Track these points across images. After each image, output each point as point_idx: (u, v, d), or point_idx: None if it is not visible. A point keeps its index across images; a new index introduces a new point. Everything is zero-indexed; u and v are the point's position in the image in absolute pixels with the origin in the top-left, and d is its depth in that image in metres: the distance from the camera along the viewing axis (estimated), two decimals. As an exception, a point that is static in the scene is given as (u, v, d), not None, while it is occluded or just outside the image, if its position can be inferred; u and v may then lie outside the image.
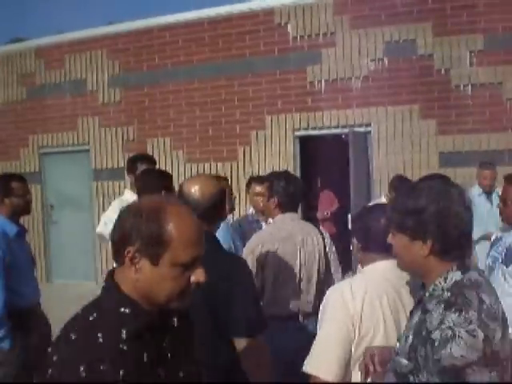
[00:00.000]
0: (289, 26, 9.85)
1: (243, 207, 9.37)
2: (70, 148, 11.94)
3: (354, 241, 2.80)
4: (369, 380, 2.40)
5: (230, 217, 6.28)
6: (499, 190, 4.85)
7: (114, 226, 1.73)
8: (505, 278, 3.84)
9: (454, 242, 2.03)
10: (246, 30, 10.12)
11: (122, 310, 1.68)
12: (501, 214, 4.08)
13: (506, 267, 3.81)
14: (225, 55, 10.31)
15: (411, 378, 1.92)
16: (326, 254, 4.23)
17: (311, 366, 2.55)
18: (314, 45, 9.71)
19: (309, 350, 2.64)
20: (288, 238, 4.03)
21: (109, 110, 11.42)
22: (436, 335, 1.87)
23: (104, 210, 11.21)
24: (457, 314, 1.88)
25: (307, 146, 10.11)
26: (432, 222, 2.02)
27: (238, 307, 2.85)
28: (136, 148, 10.47)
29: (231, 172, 10.25)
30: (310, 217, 9.12)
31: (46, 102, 12.10)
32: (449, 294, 1.96)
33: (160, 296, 1.70)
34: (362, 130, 9.38)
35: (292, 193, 4.15)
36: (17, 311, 4.11)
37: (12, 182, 4.31)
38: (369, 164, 9.39)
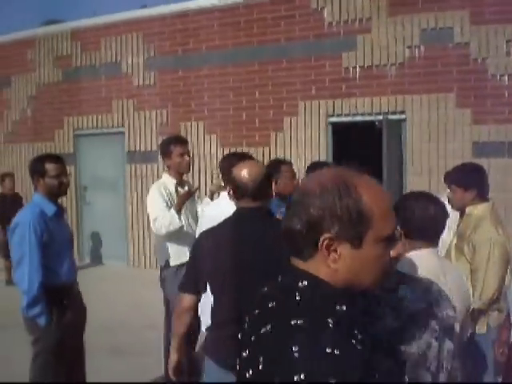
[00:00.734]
0: (325, 12, 9.81)
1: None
2: (105, 130, 12.08)
3: (397, 228, 2.80)
4: None
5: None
6: None
7: (290, 218, 1.48)
8: None
9: None
10: (281, 14, 10.09)
11: (338, 307, 1.43)
12: None
13: None
14: (259, 40, 10.31)
15: None
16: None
17: None
18: (349, 31, 9.66)
19: None
20: None
21: (143, 93, 11.51)
22: None
23: (137, 192, 11.38)
24: None
25: (340, 132, 10.09)
26: None
27: None
28: (170, 131, 10.53)
29: (263, 157, 10.28)
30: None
31: (81, 85, 12.24)
32: None
33: (365, 281, 1.49)
34: (396, 117, 9.33)
35: None
36: (53, 289, 4.19)
37: (46, 162, 4.35)
38: (402, 152, 9.35)
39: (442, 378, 2.05)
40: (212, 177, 10.44)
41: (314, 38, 9.92)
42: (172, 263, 5.26)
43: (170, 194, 5.29)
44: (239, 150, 10.42)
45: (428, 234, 2.72)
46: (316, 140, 9.92)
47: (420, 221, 2.70)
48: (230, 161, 4.43)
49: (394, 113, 9.36)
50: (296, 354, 1.29)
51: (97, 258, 12.27)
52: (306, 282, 1.44)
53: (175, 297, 5.26)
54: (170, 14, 11.19)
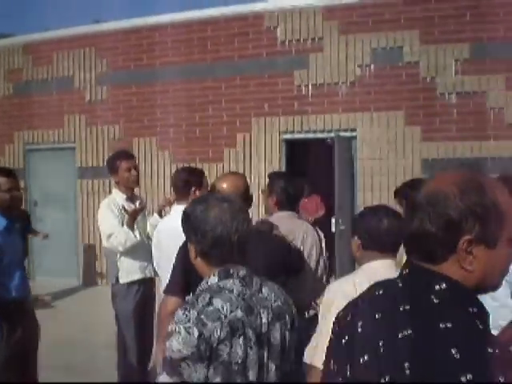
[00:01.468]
0: (278, 30, 9.92)
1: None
2: (56, 145, 11.92)
3: (355, 239, 2.92)
4: None
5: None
6: None
7: (420, 221, 1.43)
8: None
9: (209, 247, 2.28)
10: (234, 32, 10.17)
11: (471, 310, 1.38)
12: None
13: None
14: (213, 57, 10.35)
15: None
16: (322, 253, 4.20)
17: (311, 357, 2.71)
18: (301, 49, 9.78)
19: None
20: (287, 235, 4.00)
21: (95, 108, 11.42)
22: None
23: (88, 207, 11.25)
24: (181, 312, 2.09)
25: (293, 149, 10.17)
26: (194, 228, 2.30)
27: None
28: (122, 147, 10.42)
29: (216, 173, 10.27)
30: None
31: (32, 99, 12.06)
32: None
33: (494, 281, 1.46)
34: (347, 134, 9.46)
35: (290, 192, 4.21)
36: (3, 304, 4.11)
37: None
38: (353, 168, 9.47)
39: None
40: (164, 192, 10.40)
41: (267, 56, 10.01)
42: (122, 280, 5.20)
43: (121, 209, 5.24)
44: (192, 165, 10.42)
45: (383, 245, 2.82)
46: (269, 156, 9.98)
47: (375, 232, 2.81)
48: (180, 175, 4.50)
49: (345, 130, 9.49)
50: (457, 356, 1.26)
51: (47, 275, 12.05)
52: (444, 285, 1.39)
53: (126, 314, 5.27)
54: (123, 30, 11.15)
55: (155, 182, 10.72)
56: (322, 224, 10.20)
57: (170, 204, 5.59)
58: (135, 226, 5.14)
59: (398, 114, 9.20)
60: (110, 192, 6.89)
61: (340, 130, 9.47)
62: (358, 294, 2.51)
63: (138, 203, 5.48)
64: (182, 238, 2.53)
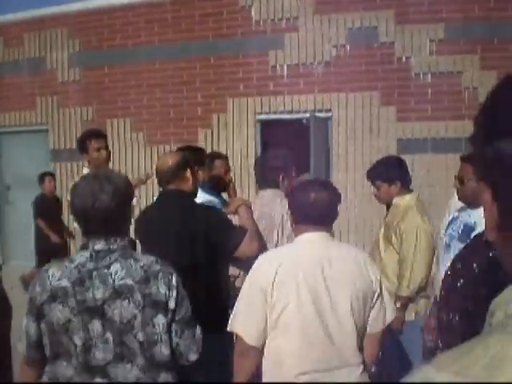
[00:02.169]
0: (252, 10, 9.82)
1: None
2: (28, 128, 11.73)
3: (289, 214, 3.02)
4: None
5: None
6: None
7: None
8: None
9: None
10: (209, 12, 10.04)
11: None
12: (457, 192, 4.17)
13: (462, 244, 3.89)
14: (187, 37, 10.22)
15: None
16: None
17: (235, 327, 2.80)
18: (276, 29, 9.70)
19: None
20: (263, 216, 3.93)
21: (68, 89, 11.25)
22: None
23: (62, 191, 11.11)
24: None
25: (269, 130, 10.11)
26: None
27: None
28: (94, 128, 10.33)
29: (191, 155, 10.21)
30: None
31: (3, 81, 11.86)
32: None
33: None
34: (322, 115, 9.42)
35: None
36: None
37: None
38: (329, 149, 9.44)
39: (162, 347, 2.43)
40: (138, 174, 10.30)
41: (241, 36, 9.91)
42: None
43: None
44: (167, 147, 10.33)
45: (311, 218, 2.85)
46: (244, 137, 9.91)
47: (303, 206, 2.87)
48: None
49: (320, 110, 9.44)
50: None
51: (22, 259, 11.90)
52: None
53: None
54: (96, 10, 10.95)
55: (129, 163, 10.60)
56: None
57: (141, 183, 5.55)
58: None
59: (373, 94, 9.17)
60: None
61: (315, 110, 9.42)
62: (269, 268, 2.72)
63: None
64: None
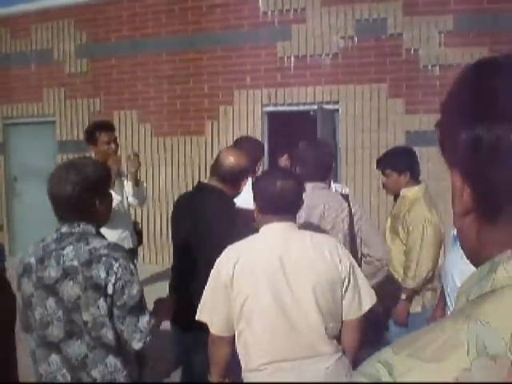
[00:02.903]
0: (260, 1, 9.77)
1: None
2: (35, 119, 11.74)
3: (254, 204, 2.99)
4: None
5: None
6: None
7: None
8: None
9: None
10: (216, 3, 10.00)
11: None
12: None
13: None
14: (194, 28, 10.19)
15: None
16: (352, 228, 3.80)
17: (202, 317, 2.88)
18: (284, 20, 9.65)
19: None
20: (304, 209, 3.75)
21: (75, 81, 11.24)
22: None
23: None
24: None
25: (276, 122, 10.08)
26: None
27: None
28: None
29: (198, 146, 10.21)
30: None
31: (10, 72, 11.87)
32: None
33: None
34: (330, 107, 9.38)
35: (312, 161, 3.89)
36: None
37: None
38: (336, 141, 9.41)
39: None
40: (146, 165, 10.32)
41: (248, 27, 9.87)
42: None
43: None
44: (174, 139, 10.33)
45: (277, 208, 2.86)
46: (251, 129, 9.88)
47: (269, 195, 2.87)
48: None
49: (328, 103, 9.40)
50: None
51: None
52: None
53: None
54: (102, 1, 10.92)
55: (136, 155, 10.59)
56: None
57: (138, 167, 5.49)
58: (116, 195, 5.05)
59: (381, 86, 9.13)
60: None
61: (323, 102, 9.38)
62: (228, 261, 2.77)
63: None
64: None
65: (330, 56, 9.42)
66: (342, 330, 2.87)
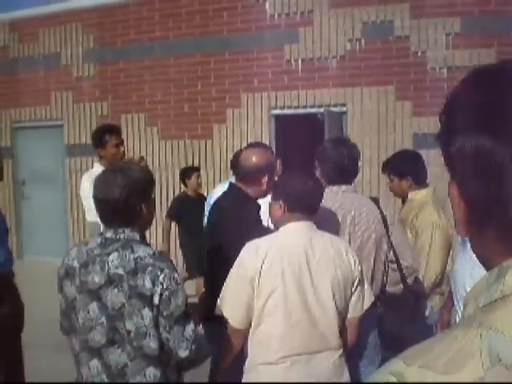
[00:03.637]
0: (267, 4, 9.78)
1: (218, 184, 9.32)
2: (44, 123, 11.79)
3: (280, 202, 3.02)
4: None
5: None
6: None
7: None
8: None
9: None
10: (223, 6, 10.02)
11: None
12: None
13: None
14: (201, 31, 10.21)
15: None
16: (386, 233, 3.65)
17: (223, 310, 2.95)
18: (291, 23, 9.66)
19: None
20: (332, 214, 3.61)
21: (83, 84, 11.28)
22: None
23: (77, 185, 11.14)
24: None
25: (283, 124, 10.08)
26: None
27: None
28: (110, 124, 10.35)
29: (206, 149, 10.22)
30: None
31: (19, 76, 11.93)
32: None
33: None
34: (337, 109, 9.38)
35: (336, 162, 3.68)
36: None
37: None
38: (343, 144, 9.38)
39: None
40: (153, 169, 10.32)
41: (256, 30, 9.88)
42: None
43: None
44: (181, 142, 10.35)
45: (303, 207, 2.97)
46: (259, 132, 9.89)
47: (297, 195, 2.96)
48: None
49: (335, 105, 9.41)
50: None
51: (36, 254, 11.98)
52: None
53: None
54: (110, 5, 10.97)
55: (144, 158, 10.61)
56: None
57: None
58: None
59: (388, 88, 9.12)
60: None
61: (330, 105, 9.38)
62: (256, 255, 2.83)
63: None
64: None
65: (338, 58, 9.41)
66: (347, 326, 3.02)
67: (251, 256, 2.87)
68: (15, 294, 4.37)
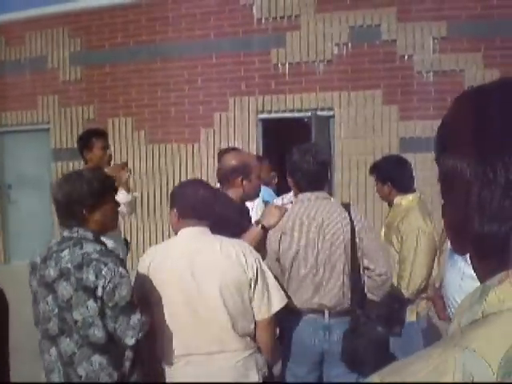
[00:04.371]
0: (254, 8, 9.78)
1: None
2: (30, 127, 11.71)
3: (174, 210, 3.19)
4: None
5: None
6: None
7: None
8: (466, 260, 3.82)
9: None
10: (210, 10, 10.01)
11: None
12: None
13: None
14: (188, 35, 10.19)
15: None
16: (354, 240, 3.55)
17: None
18: (278, 28, 9.66)
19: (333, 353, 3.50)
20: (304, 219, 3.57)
21: (69, 88, 11.22)
22: None
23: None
24: None
25: (271, 129, 10.07)
26: None
27: None
28: (97, 128, 10.30)
29: (193, 153, 10.19)
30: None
31: (5, 80, 11.84)
32: None
33: None
34: (324, 113, 9.38)
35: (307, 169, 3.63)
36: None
37: None
38: (331, 148, 9.40)
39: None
40: (140, 173, 10.29)
41: (243, 34, 9.87)
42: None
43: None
44: (168, 146, 10.32)
45: (195, 214, 3.12)
46: (246, 136, 9.89)
47: (189, 203, 3.12)
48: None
49: (322, 109, 9.41)
50: None
51: (23, 258, 11.88)
52: None
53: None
54: (97, 8, 10.92)
55: (130, 162, 10.56)
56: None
57: (124, 170, 5.50)
58: None
59: (375, 92, 9.14)
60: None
61: (317, 109, 9.38)
62: (143, 261, 3.10)
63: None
64: None
65: (325, 63, 9.43)
66: (256, 329, 3.10)
67: (141, 263, 3.13)
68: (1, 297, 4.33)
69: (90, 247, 2.77)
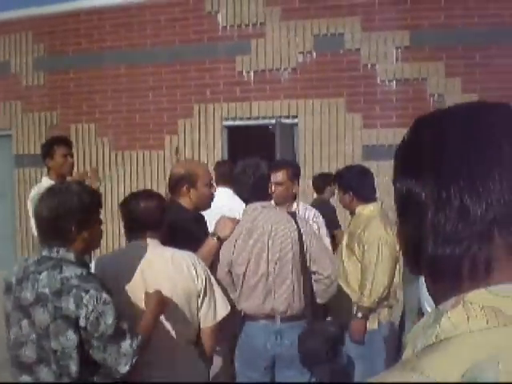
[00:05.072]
0: (219, 16, 9.79)
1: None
2: (-9, 132, 11.55)
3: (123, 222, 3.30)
4: None
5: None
6: None
7: None
8: None
9: None
10: (175, 17, 9.99)
11: None
12: None
13: None
14: (153, 42, 10.15)
15: None
16: (302, 246, 3.67)
17: None
18: (243, 35, 9.68)
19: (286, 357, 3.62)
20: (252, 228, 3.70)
21: (32, 94, 11.09)
22: None
23: (25, 197, 10.93)
24: None
25: (235, 136, 10.08)
26: None
27: None
28: (59, 134, 10.16)
29: (157, 161, 10.14)
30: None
31: (-34, 85, 11.68)
32: None
33: None
34: (288, 121, 9.42)
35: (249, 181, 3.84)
36: None
37: None
38: (295, 155, 9.43)
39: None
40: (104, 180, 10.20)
41: (208, 41, 9.87)
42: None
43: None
44: (133, 153, 10.25)
45: (142, 226, 3.16)
46: (211, 143, 9.87)
47: (134, 215, 3.18)
48: None
49: (286, 117, 9.45)
50: None
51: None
52: None
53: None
54: (61, 13, 10.82)
55: (94, 169, 10.50)
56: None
57: (100, 182, 5.49)
58: None
59: (338, 100, 9.20)
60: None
61: (282, 116, 9.42)
62: (105, 269, 3.07)
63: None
64: None
65: (289, 70, 9.47)
66: (201, 335, 3.21)
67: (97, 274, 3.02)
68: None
69: (70, 271, 2.55)
